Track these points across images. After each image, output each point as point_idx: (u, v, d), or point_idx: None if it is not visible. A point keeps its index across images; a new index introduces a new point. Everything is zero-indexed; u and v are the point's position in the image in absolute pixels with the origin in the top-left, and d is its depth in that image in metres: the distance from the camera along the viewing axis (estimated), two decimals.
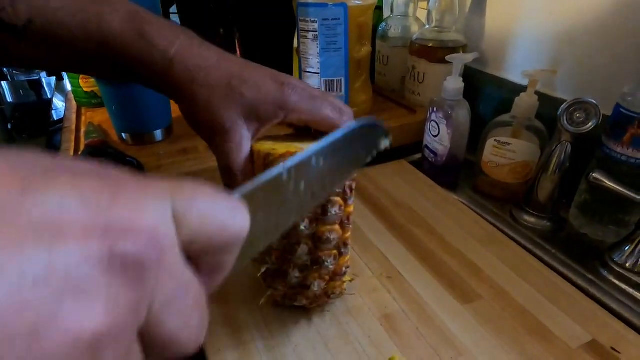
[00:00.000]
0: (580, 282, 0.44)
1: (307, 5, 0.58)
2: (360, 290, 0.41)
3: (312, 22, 0.59)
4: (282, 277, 0.33)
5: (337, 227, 0.32)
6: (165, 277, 0.13)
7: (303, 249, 0.31)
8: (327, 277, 0.34)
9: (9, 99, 1.85)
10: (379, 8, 0.83)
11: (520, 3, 0.58)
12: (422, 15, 0.76)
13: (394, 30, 0.75)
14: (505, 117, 0.53)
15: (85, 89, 0.77)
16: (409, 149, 0.68)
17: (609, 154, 0.44)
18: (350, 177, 0.28)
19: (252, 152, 0.32)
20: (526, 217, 0.52)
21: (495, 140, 0.54)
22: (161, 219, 0.13)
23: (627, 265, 0.43)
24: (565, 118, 0.45)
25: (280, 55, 0.76)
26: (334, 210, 0.30)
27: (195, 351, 0.16)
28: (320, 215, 0.30)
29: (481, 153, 0.56)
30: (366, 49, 0.64)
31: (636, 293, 0.42)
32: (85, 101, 0.79)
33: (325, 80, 0.63)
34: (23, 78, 1.87)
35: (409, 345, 0.36)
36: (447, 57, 0.56)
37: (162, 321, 0.13)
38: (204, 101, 0.31)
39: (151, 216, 0.13)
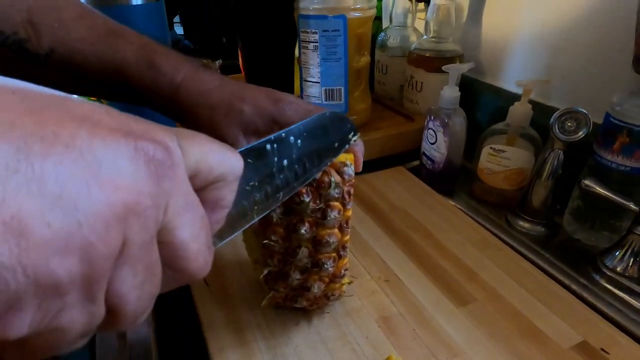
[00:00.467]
0: (573, 286, 0.46)
1: (307, 17, 0.60)
2: (359, 293, 0.42)
3: (313, 33, 0.61)
4: (284, 279, 0.35)
5: (336, 230, 0.33)
6: (177, 187, 0.16)
7: (304, 251, 0.32)
8: (326, 279, 0.35)
9: None
10: (378, 18, 0.85)
11: (515, 15, 0.60)
12: (420, 25, 0.78)
13: (392, 40, 0.77)
14: (500, 125, 0.55)
15: None
16: (407, 155, 0.70)
17: (600, 161, 0.45)
18: (326, 163, 0.30)
19: None
20: (521, 223, 0.54)
21: (490, 147, 0.55)
22: (170, 140, 0.15)
23: (618, 269, 0.45)
24: (557, 127, 0.47)
25: (281, 64, 0.78)
26: (333, 215, 0.31)
27: (202, 276, 0.18)
28: (320, 220, 0.32)
29: (477, 160, 0.58)
30: (365, 59, 0.66)
31: (627, 297, 0.43)
32: None
33: (326, 89, 0.65)
34: None
35: (406, 346, 0.37)
36: (444, 67, 0.57)
37: (175, 227, 0.16)
38: (207, 120, 0.34)
39: (162, 134, 0.15)
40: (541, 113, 0.53)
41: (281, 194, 0.26)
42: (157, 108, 0.36)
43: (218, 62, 0.89)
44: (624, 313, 0.42)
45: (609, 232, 0.48)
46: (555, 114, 0.46)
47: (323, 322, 0.39)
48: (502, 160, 0.55)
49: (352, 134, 0.32)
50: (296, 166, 0.27)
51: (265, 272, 0.34)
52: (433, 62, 0.66)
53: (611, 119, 0.44)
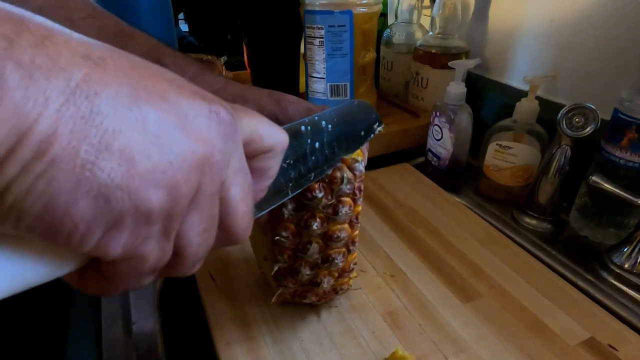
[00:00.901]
0: (580, 282, 0.45)
1: (313, 12, 0.60)
2: (365, 288, 0.42)
3: (319, 28, 0.61)
4: (293, 275, 0.35)
5: (346, 226, 0.33)
6: (237, 149, 0.18)
7: (314, 247, 0.33)
8: (336, 274, 0.36)
9: None
10: (383, 15, 0.85)
11: (522, 10, 0.60)
12: (425, 22, 0.78)
13: (398, 36, 0.77)
14: (506, 122, 0.55)
15: None
16: (413, 152, 0.69)
17: (607, 157, 0.45)
18: (353, 150, 0.31)
19: None
20: (527, 220, 0.53)
21: (497, 144, 0.55)
22: (231, 111, 0.18)
23: (626, 266, 0.44)
24: (564, 123, 0.46)
25: (287, 61, 0.78)
26: (344, 210, 0.32)
27: (242, 240, 0.20)
28: (332, 215, 0.32)
29: (483, 156, 0.57)
30: (371, 55, 0.66)
31: (635, 293, 0.43)
32: None
33: (331, 85, 0.65)
34: None
35: (412, 341, 0.37)
36: (450, 63, 0.57)
37: (231, 185, 0.18)
38: None
39: (226, 104, 0.18)
40: (548, 109, 0.53)
41: (312, 174, 0.27)
42: None
43: (223, 59, 0.89)
44: (632, 310, 0.42)
45: (616, 228, 0.48)
46: (562, 110, 0.46)
47: (329, 316, 0.39)
48: (508, 157, 0.55)
49: (377, 124, 0.32)
50: (326, 150, 0.28)
51: (276, 268, 0.34)
52: (439, 58, 0.66)
53: (620, 115, 0.43)
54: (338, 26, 0.60)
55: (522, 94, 0.54)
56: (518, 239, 0.51)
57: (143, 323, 0.42)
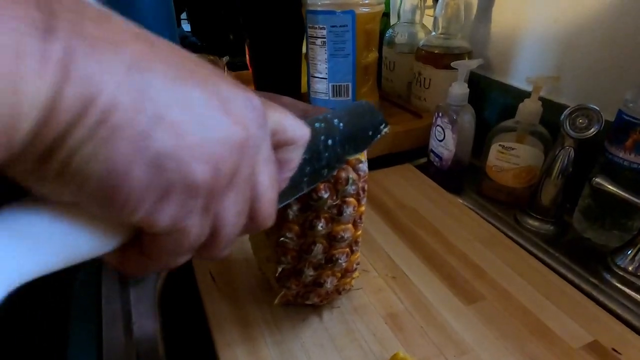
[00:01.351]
0: (583, 285, 0.45)
1: (315, 12, 0.60)
2: (366, 290, 0.42)
3: (321, 28, 0.61)
4: (297, 276, 0.34)
5: (350, 226, 0.33)
6: (267, 138, 0.19)
7: (318, 247, 0.33)
8: (339, 274, 0.35)
9: None
10: (386, 15, 0.85)
11: (525, 11, 0.60)
12: (428, 22, 0.77)
13: (400, 36, 0.77)
14: (509, 123, 0.54)
15: None
16: (415, 153, 0.69)
17: (611, 159, 0.45)
18: (361, 150, 0.31)
19: None
20: (530, 221, 0.53)
21: (499, 145, 0.55)
22: (261, 101, 0.19)
23: (630, 269, 0.44)
24: (567, 124, 0.46)
25: (289, 60, 0.78)
26: (349, 211, 0.32)
27: (266, 226, 0.21)
28: (336, 216, 0.32)
29: (486, 157, 0.57)
30: (373, 55, 0.66)
31: (639, 297, 0.43)
32: None
33: (333, 85, 0.65)
34: None
35: (413, 343, 0.37)
36: (452, 64, 0.57)
37: (259, 172, 0.19)
38: None
39: (256, 95, 0.19)
40: (551, 110, 0.53)
41: (325, 171, 0.28)
42: None
43: (225, 59, 0.88)
44: (636, 313, 0.41)
45: (620, 231, 0.48)
46: (566, 111, 0.46)
47: (330, 318, 0.39)
48: (511, 158, 0.55)
49: (382, 125, 0.32)
50: (338, 148, 0.28)
51: (280, 269, 0.34)
52: (441, 58, 0.66)
53: (624, 116, 0.43)
54: (340, 26, 0.60)
55: (525, 95, 0.53)
56: (521, 241, 0.51)
57: (143, 323, 0.42)
